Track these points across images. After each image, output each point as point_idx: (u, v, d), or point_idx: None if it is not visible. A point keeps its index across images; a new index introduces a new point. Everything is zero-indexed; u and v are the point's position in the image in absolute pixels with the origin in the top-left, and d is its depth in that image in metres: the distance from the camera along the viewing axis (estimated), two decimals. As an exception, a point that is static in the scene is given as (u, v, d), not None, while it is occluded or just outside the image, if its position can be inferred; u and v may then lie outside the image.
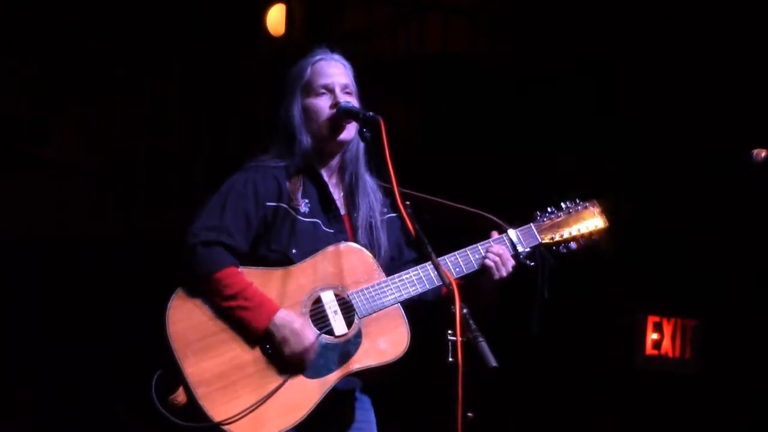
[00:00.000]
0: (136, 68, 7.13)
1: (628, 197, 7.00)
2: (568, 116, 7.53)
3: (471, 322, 3.71)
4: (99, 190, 7.21)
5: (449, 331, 3.71)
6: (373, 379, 4.18)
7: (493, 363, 3.66)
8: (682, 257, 7.71)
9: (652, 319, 8.05)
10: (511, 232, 4.30)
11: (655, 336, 8.01)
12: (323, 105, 4.23)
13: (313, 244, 4.16)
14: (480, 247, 4.26)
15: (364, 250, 4.22)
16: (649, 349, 8.03)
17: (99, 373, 6.91)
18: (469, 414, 3.64)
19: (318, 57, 4.30)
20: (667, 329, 8.02)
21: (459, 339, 3.68)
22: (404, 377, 4.17)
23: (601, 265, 7.33)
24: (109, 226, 7.24)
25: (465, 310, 3.72)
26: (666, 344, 7.99)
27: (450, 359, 3.69)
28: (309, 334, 4.05)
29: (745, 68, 7.18)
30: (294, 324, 4.04)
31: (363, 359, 4.10)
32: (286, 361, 4.03)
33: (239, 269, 4.08)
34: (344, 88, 4.25)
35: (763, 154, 4.19)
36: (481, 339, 3.69)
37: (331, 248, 4.17)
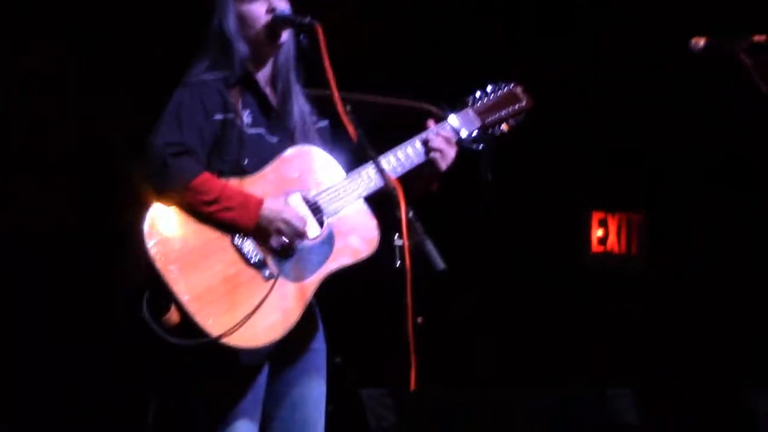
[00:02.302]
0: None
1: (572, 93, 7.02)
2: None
3: (417, 224, 3.70)
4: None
5: (395, 236, 3.69)
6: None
7: (441, 265, 3.66)
8: (625, 149, 7.63)
9: (596, 216, 7.92)
10: (452, 118, 4.31)
11: (600, 233, 7.88)
12: (259, 11, 4.20)
13: (261, 154, 4.13)
14: (426, 135, 4.25)
15: (321, 150, 4.21)
16: (595, 246, 7.89)
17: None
18: (419, 319, 3.60)
19: None
20: (612, 225, 7.89)
21: (406, 243, 3.65)
22: (352, 284, 4.11)
23: (541, 160, 7.28)
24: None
25: (410, 213, 3.70)
26: (612, 240, 7.86)
27: (398, 263, 3.67)
28: (299, 211, 4.06)
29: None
30: (283, 207, 4.05)
31: (339, 258, 4.10)
32: (278, 256, 4.02)
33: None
34: None
35: (702, 42, 4.19)
36: (427, 241, 3.67)
37: (288, 152, 4.16)
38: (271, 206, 4.02)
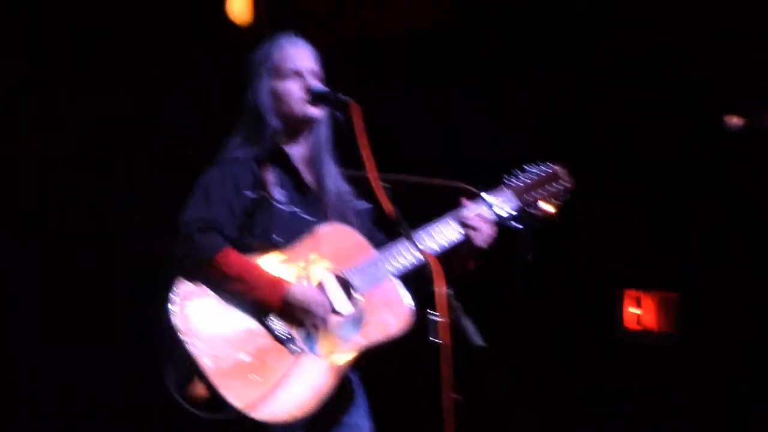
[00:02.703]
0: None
1: (604, 168, 7.05)
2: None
3: (454, 300, 3.72)
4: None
5: (431, 312, 3.70)
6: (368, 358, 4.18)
7: (479, 342, 3.69)
8: (659, 228, 7.64)
9: (632, 294, 7.90)
10: (488, 197, 4.35)
11: (635, 311, 7.85)
12: (294, 88, 4.26)
13: (293, 231, 4.17)
14: (461, 212, 4.30)
15: (353, 229, 4.25)
16: (630, 324, 7.85)
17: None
18: (456, 396, 3.64)
19: (284, 41, 4.35)
20: (648, 304, 7.87)
21: (444, 320, 3.67)
22: (390, 359, 4.15)
23: (576, 238, 7.30)
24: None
25: (448, 290, 3.73)
26: (647, 319, 7.85)
27: (434, 340, 3.69)
28: (324, 298, 4.09)
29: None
30: (307, 290, 4.08)
31: (370, 334, 4.12)
32: (305, 331, 4.05)
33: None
34: (313, 73, 4.29)
35: (735, 120, 4.25)
36: (465, 318, 3.70)
37: (319, 229, 4.19)
38: (296, 290, 4.07)
